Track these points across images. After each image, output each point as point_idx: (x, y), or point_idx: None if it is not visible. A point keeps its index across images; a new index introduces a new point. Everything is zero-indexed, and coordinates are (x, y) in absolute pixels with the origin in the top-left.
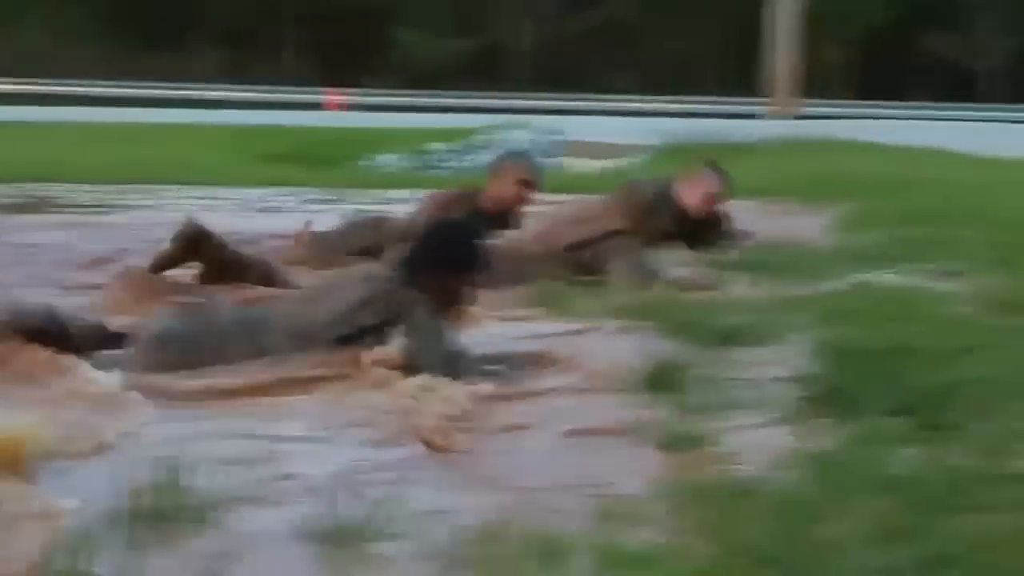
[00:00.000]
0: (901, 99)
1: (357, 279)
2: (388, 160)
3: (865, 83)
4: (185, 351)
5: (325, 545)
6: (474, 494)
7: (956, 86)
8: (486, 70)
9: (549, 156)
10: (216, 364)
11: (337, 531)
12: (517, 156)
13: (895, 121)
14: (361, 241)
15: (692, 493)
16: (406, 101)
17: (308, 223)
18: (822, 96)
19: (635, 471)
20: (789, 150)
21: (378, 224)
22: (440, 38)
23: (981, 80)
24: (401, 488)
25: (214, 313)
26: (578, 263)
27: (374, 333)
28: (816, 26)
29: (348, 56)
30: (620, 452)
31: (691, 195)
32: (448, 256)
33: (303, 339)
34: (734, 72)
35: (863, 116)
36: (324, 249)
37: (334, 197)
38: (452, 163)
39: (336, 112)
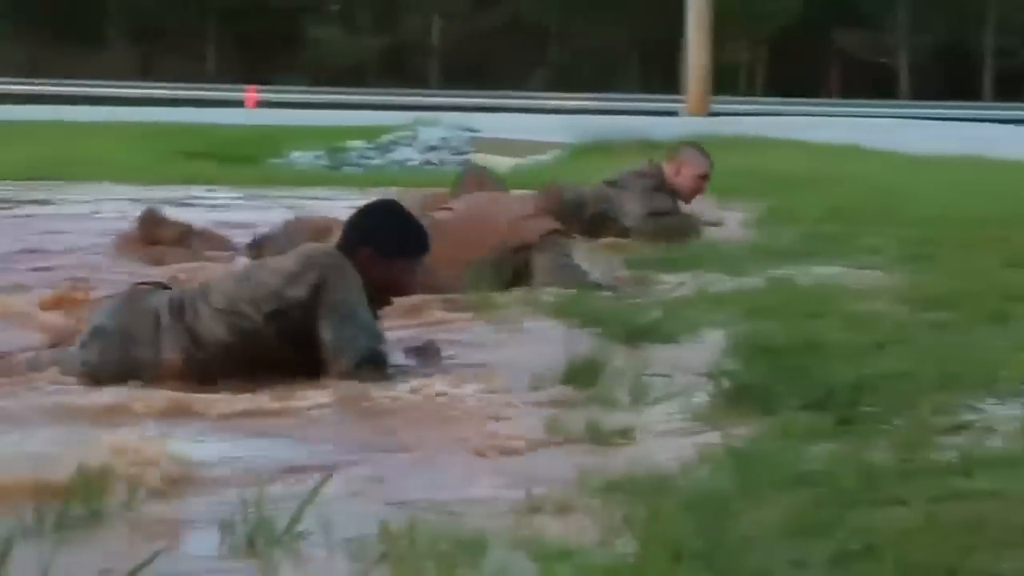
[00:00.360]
0: (814, 96)
1: (292, 255)
2: (302, 158)
3: (778, 80)
4: (122, 343)
5: (244, 545)
6: (394, 490)
7: (868, 83)
8: (399, 67)
9: (462, 154)
10: (152, 352)
11: (256, 530)
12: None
13: (808, 118)
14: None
15: (612, 489)
16: (321, 98)
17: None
18: (736, 93)
19: (556, 467)
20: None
21: (326, 224)
22: (354, 35)
23: (893, 77)
24: (323, 487)
25: (146, 300)
26: (515, 264)
27: (302, 309)
28: (729, 24)
29: (265, 53)
30: (541, 448)
31: (683, 178)
32: (389, 236)
33: (234, 315)
34: (654, 69)
35: (776, 113)
36: (270, 251)
37: (247, 195)
38: (367, 161)
39: (253, 109)
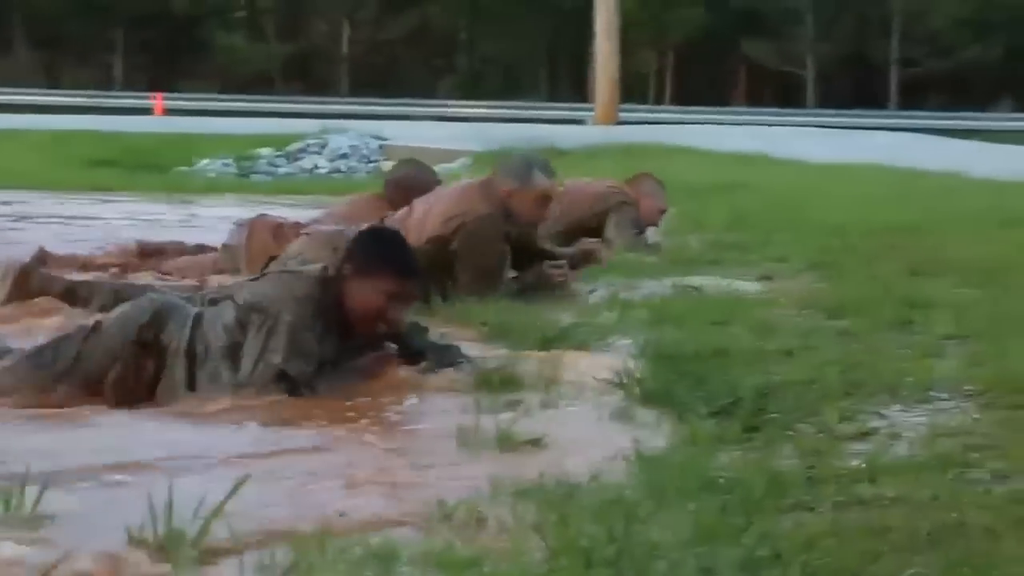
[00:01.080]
0: (720, 104)
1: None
2: (211, 165)
3: (685, 89)
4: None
5: (155, 550)
6: (303, 496)
7: (774, 91)
8: (307, 74)
9: (371, 162)
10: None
11: (167, 537)
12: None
13: (715, 126)
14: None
15: (522, 496)
16: (229, 106)
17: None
18: (643, 102)
19: (466, 475)
20: (612, 155)
21: (276, 230)
22: (260, 42)
23: (799, 85)
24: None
25: None
26: (442, 256)
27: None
28: (636, 33)
29: (172, 60)
30: (451, 455)
31: (645, 209)
32: (385, 260)
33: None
34: (562, 78)
35: (683, 121)
36: (235, 257)
37: (153, 203)
38: (276, 168)
39: (159, 117)
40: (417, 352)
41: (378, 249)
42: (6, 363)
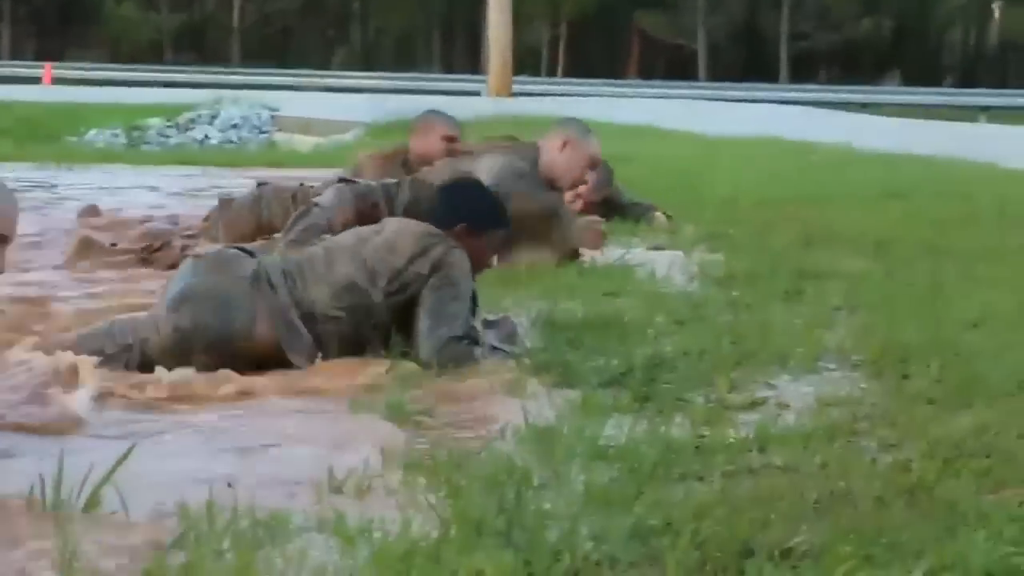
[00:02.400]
0: (613, 76)
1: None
2: (99, 136)
3: (578, 61)
4: (217, 309)
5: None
6: (198, 463)
7: (666, 64)
8: (199, 44)
9: (263, 132)
10: (247, 321)
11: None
12: (439, 113)
13: (608, 98)
14: (271, 211)
15: (413, 467)
16: (119, 75)
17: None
18: (537, 74)
19: (358, 446)
20: (506, 126)
21: (290, 193)
22: (151, 11)
23: (690, 58)
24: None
25: (240, 265)
26: None
27: (418, 284)
28: (530, 5)
29: (61, 30)
30: (346, 426)
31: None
32: (474, 212)
33: (347, 290)
34: (457, 49)
35: (577, 93)
36: (234, 222)
37: (44, 174)
38: (166, 139)
39: (48, 86)
40: None
41: (487, 205)
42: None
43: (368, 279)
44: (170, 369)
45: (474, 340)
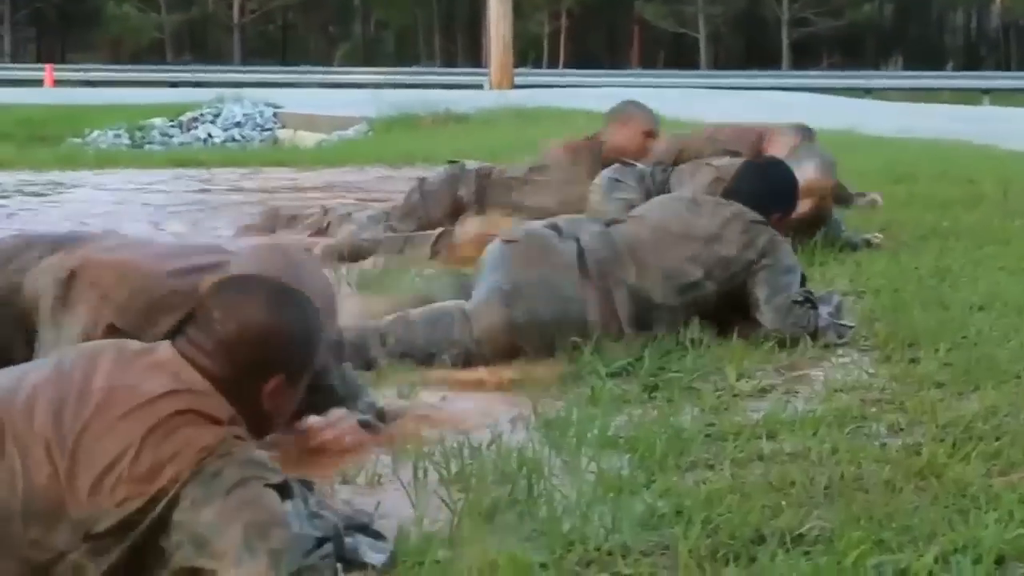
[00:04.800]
0: (615, 67)
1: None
2: (102, 137)
3: (580, 52)
4: (549, 299)
5: None
6: None
7: (668, 53)
8: (200, 43)
9: (266, 129)
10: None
11: None
12: (639, 106)
13: (610, 89)
14: (466, 190)
15: (424, 457)
16: (121, 76)
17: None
18: (539, 66)
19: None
20: (508, 119)
21: (486, 171)
22: (151, 11)
23: (692, 47)
24: None
25: (557, 250)
26: None
27: (747, 271)
28: None
29: (62, 31)
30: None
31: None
32: (778, 194)
33: (679, 279)
34: (458, 43)
35: (579, 85)
36: (433, 199)
37: (47, 177)
38: (169, 138)
39: (50, 88)
40: None
41: (790, 184)
42: None
43: (702, 269)
44: (489, 360)
45: (813, 304)
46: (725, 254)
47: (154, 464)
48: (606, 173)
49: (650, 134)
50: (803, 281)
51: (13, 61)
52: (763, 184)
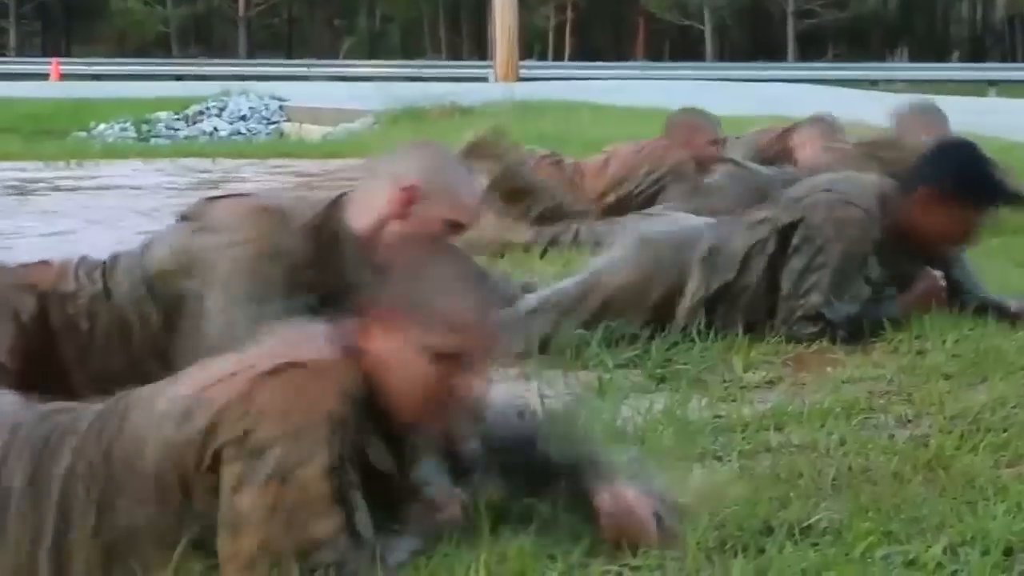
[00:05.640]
0: (620, 59)
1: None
2: (108, 130)
3: (585, 44)
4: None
5: None
6: None
7: (674, 45)
8: (205, 37)
9: (272, 123)
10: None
11: None
12: (701, 113)
13: (615, 81)
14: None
15: None
16: (126, 70)
17: None
18: (544, 58)
19: None
20: (515, 112)
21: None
22: (156, 5)
23: (698, 39)
24: None
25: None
26: None
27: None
28: None
29: (68, 25)
30: None
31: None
32: (968, 181)
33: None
34: (463, 35)
35: (584, 77)
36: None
37: (53, 170)
38: (175, 132)
39: (56, 82)
40: None
41: (977, 172)
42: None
43: None
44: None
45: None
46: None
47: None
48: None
49: (714, 143)
50: (890, 268)
51: (19, 55)
52: (929, 158)
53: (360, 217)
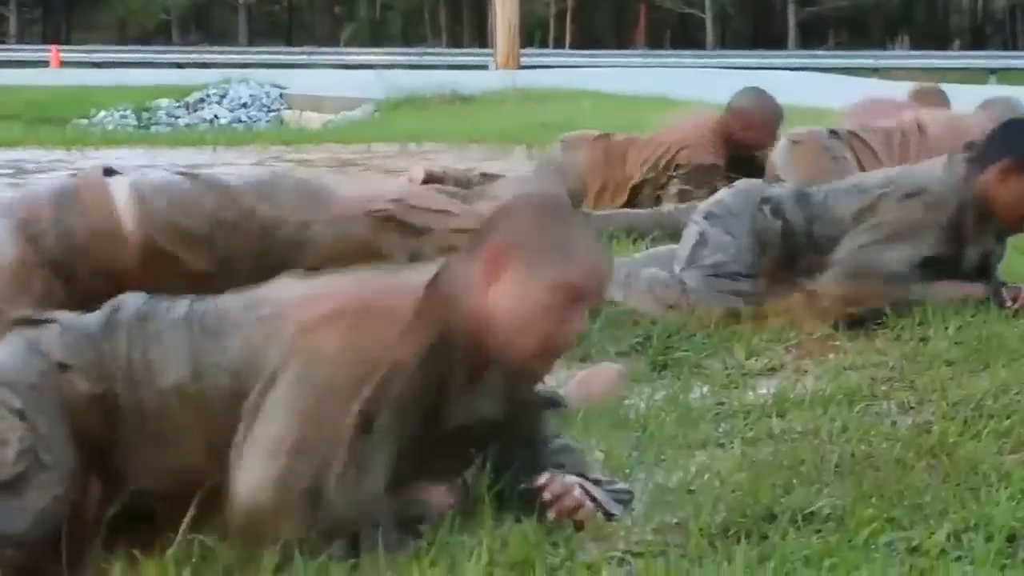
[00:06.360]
0: (621, 47)
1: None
2: (109, 117)
3: (586, 32)
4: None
5: None
6: None
7: (675, 33)
8: (206, 24)
9: (273, 110)
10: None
11: None
12: (765, 95)
13: (616, 69)
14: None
15: None
16: (127, 57)
17: None
18: (545, 46)
19: None
20: (515, 99)
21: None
22: None
23: (699, 27)
24: None
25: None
26: None
27: None
28: None
29: (68, 12)
30: None
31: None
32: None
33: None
34: (463, 23)
35: (585, 65)
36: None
37: (55, 157)
38: (176, 119)
39: (56, 69)
40: None
41: None
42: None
43: None
44: None
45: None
46: None
47: None
48: None
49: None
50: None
51: (19, 42)
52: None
53: None
